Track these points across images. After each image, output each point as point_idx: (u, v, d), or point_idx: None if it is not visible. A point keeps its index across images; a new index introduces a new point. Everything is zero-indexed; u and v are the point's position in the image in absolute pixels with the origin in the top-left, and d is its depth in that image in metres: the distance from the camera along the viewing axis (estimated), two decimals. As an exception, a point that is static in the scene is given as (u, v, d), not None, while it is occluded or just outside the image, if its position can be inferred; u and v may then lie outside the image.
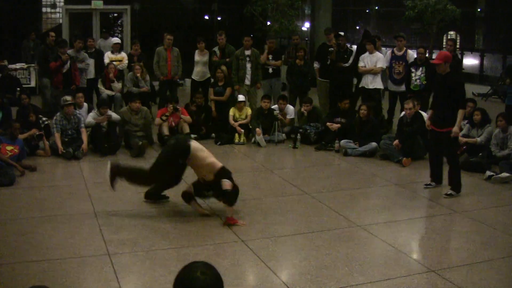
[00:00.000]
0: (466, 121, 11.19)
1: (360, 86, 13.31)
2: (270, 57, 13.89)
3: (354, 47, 15.40)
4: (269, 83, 13.91)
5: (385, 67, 13.05)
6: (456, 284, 5.75)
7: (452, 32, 34.73)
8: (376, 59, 12.99)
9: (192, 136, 11.83)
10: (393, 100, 13.52)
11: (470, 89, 19.79)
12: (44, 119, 11.33)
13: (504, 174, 9.56)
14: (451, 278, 5.88)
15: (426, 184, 9.17)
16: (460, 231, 7.47)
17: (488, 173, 9.74)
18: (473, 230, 7.37)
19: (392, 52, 13.39)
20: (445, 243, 7.05)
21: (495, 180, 9.55)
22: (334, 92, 13.43)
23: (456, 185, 8.77)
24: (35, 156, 10.66)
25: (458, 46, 31.08)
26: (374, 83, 13.01)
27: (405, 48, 13.30)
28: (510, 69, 12.57)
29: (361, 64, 13.17)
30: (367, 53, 13.25)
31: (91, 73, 14.10)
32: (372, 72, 12.95)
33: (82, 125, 11.03)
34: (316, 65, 13.96)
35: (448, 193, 8.73)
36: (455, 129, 8.46)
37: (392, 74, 13.18)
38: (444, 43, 26.78)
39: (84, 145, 10.84)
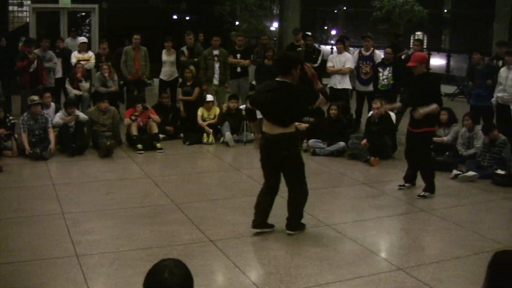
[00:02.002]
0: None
1: (328, 86, 13.36)
2: (239, 55, 13.89)
3: (322, 47, 15.47)
4: (237, 83, 13.91)
5: (353, 67, 13.13)
6: (424, 281, 5.80)
7: (419, 33, 35.04)
8: (345, 59, 13.05)
9: (161, 136, 11.82)
10: (361, 100, 13.60)
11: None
12: (10, 118, 11.17)
13: (470, 173, 9.67)
14: (419, 276, 5.93)
15: (400, 185, 9.21)
16: (427, 230, 7.55)
17: (454, 172, 9.84)
18: (440, 228, 7.45)
19: (360, 52, 13.47)
20: (413, 242, 7.10)
21: (461, 179, 9.65)
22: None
23: (429, 186, 8.83)
24: (1, 156, 10.54)
25: (425, 47, 31.35)
26: (342, 83, 13.09)
27: (372, 49, 13.39)
28: (472, 71, 12.69)
29: (329, 64, 13.23)
30: (335, 53, 13.30)
31: (59, 72, 14.00)
32: (341, 72, 13.02)
33: (50, 125, 10.93)
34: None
35: (421, 194, 8.78)
36: (419, 111, 8.50)
37: (359, 74, 13.27)
38: (411, 44, 26.98)
39: (52, 145, 10.75)
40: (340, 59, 13.11)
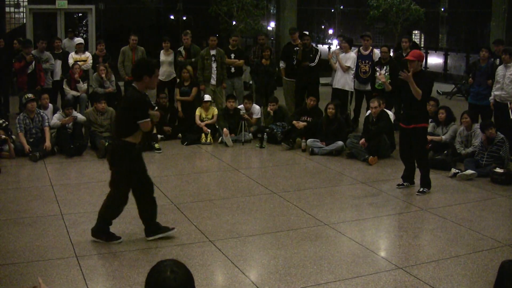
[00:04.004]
0: (430, 120, 11.32)
1: (333, 87, 13.39)
2: (233, 55, 13.89)
3: (320, 46, 15.47)
4: (231, 83, 13.91)
5: (352, 66, 13.16)
6: (423, 280, 5.81)
7: (416, 32, 35.11)
8: (348, 58, 13.13)
9: (159, 136, 11.82)
10: (359, 99, 13.62)
11: (435, 87, 19.99)
12: (1, 121, 11.05)
13: (469, 172, 9.68)
14: (418, 274, 5.94)
15: (398, 184, 9.23)
16: (426, 228, 7.56)
17: (453, 170, 9.85)
18: (439, 227, 7.45)
19: (358, 51, 13.50)
20: (412, 240, 7.10)
21: (460, 178, 9.66)
22: (299, 92, 13.49)
23: (425, 182, 8.88)
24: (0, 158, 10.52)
25: (422, 45, 31.39)
26: (344, 84, 13.11)
27: (371, 48, 13.41)
28: (471, 68, 12.71)
29: (334, 61, 13.32)
30: (342, 52, 13.37)
31: (57, 74, 13.99)
32: (341, 68, 13.06)
33: (46, 123, 10.92)
34: (282, 64, 13.99)
35: (420, 190, 8.85)
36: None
37: (358, 74, 13.29)
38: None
39: (47, 143, 10.74)
40: (344, 57, 13.18)
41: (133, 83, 6.62)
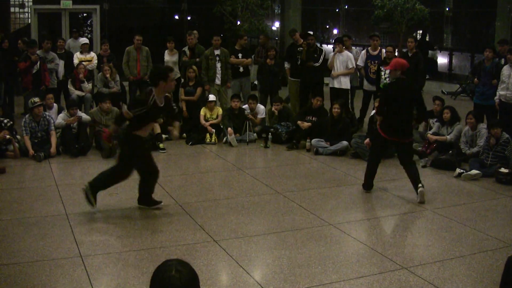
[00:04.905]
0: (435, 120, 11.32)
1: (330, 86, 13.34)
2: (240, 55, 13.88)
3: (324, 46, 15.44)
4: (239, 83, 13.89)
5: (355, 66, 13.14)
6: (428, 280, 5.80)
7: (420, 31, 35.00)
8: (347, 58, 13.01)
9: (163, 136, 11.81)
10: (367, 99, 13.58)
11: (439, 87, 20.04)
12: (6, 121, 11.04)
13: (474, 172, 9.66)
14: (423, 275, 5.93)
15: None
16: (431, 228, 7.54)
17: (458, 170, 9.84)
18: (444, 227, 7.44)
19: (367, 51, 13.47)
20: (416, 240, 7.10)
21: (464, 178, 9.65)
22: (304, 92, 13.46)
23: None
24: (3, 158, 10.52)
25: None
26: (342, 83, 13.05)
27: (379, 48, 13.39)
28: (476, 68, 12.68)
29: (331, 65, 13.17)
30: (337, 54, 13.22)
31: (60, 74, 14.01)
32: (346, 73, 13.00)
33: (52, 127, 10.92)
34: (286, 65, 13.97)
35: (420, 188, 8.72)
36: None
37: (368, 74, 13.29)
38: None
39: (53, 148, 10.75)
40: (341, 58, 13.05)
41: (152, 88, 7.46)
